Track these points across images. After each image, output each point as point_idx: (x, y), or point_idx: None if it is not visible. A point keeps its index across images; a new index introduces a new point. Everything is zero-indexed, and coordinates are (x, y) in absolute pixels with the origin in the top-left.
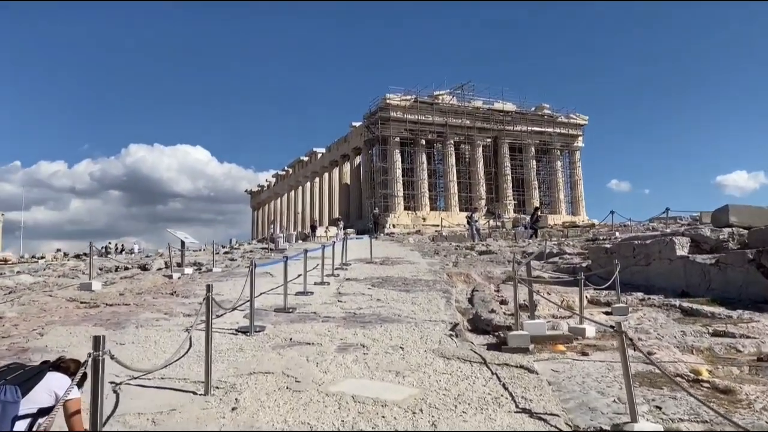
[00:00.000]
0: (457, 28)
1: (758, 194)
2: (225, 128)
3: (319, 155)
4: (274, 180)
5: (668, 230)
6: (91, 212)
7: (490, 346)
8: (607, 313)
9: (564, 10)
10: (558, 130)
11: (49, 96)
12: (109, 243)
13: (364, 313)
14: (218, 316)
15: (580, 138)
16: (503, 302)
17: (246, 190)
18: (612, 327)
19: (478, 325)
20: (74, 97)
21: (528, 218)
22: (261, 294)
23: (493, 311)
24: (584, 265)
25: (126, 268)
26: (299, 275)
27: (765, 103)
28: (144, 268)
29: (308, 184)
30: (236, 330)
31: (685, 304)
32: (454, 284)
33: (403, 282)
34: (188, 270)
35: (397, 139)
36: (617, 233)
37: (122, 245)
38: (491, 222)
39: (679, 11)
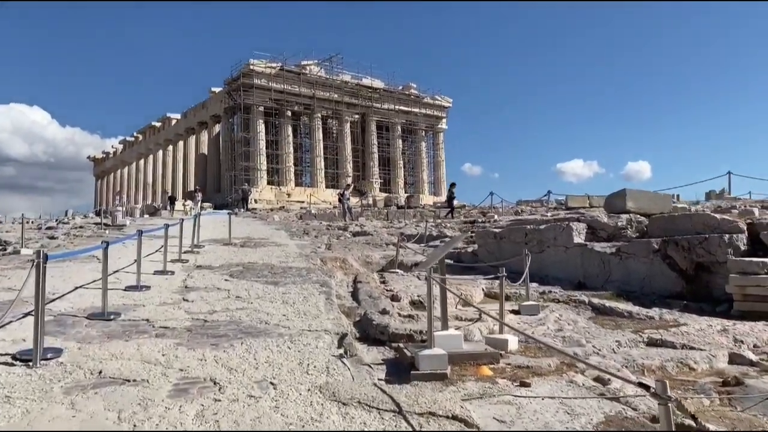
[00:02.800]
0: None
1: (592, 181)
2: (68, 87)
3: (174, 121)
4: (121, 147)
5: (549, 215)
6: None
7: (391, 365)
8: (514, 312)
9: None
10: (424, 111)
11: None
12: None
13: (217, 320)
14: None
15: (444, 120)
16: (394, 298)
17: (89, 157)
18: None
19: (370, 332)
20: None
21: (447, 196)
22: (76, 288)
23: (385, 312)
24: (470, 250)
25: None
26: (134, 261)
27: (601, 97)
28: None
29: (160, 152)
30: (15, 355)
31: (595, 301)
32: (331, 273)
33: (270, 270)
34: None
35: (261, 108)
36: (496, 216)
37: None
38: (363, 201)
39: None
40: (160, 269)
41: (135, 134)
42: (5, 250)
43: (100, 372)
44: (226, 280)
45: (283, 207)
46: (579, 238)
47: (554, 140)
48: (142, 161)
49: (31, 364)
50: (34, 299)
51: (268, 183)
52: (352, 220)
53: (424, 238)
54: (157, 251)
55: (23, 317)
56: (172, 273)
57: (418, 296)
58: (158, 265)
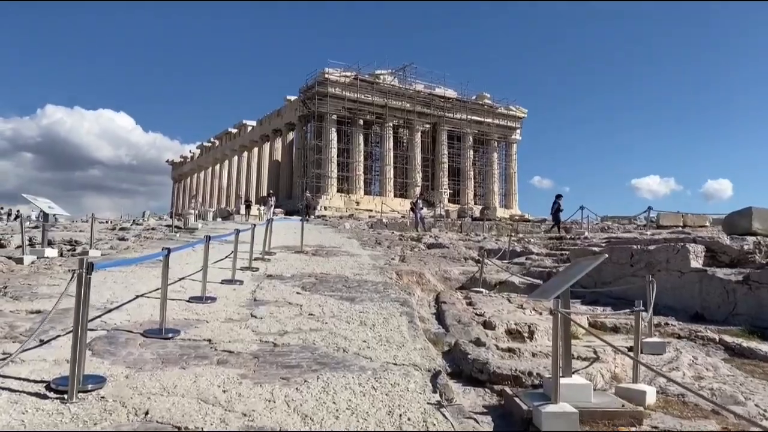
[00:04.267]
0: (402, 5)
1: (669, 199)
2: (152, 95)
3: (249, 128)
4: (198, 152)
5: (649, 234)
6: (1, 173)
7: (499, 418)
8: (630, 350)
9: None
10: (497, 121)
11: None
12: (2, 208)
13: (289, 344)
14: (37, 345)
15: (518, 131)
16: (487, 325)
17: (167, 161)
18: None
19: (464, 369)
20: None
21: (552, 209)
22: (137, 297)
23: (480, 342)
24: (562, 270)
25: None
26: (201, 270)
27: (679, 111)
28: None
29: (236, 158)
30: (50, 384)
31: (728, 339)
32: (409, 289)
33: (344, 284)
34: (51, 252)
35: (334, 116)
36: (586, 233)
37: (17, 210)
38: (435, 211)
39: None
40: (228, 278)
41: (212, 140)
42: (74, 250)
43: (146, 413)
44: (297, 293)
45: (352, 215)
46: (696, 262)
47: (630, 155)
48: (217, 166)
49: (66, 397)
50: (126, 298)
51: (338, 191)
52: (425, 231)
53: (507, 253)
54: (226, 257)
55: (66, 333)
56: (241, 283)
57: (515, 324)
58: (227, 273)
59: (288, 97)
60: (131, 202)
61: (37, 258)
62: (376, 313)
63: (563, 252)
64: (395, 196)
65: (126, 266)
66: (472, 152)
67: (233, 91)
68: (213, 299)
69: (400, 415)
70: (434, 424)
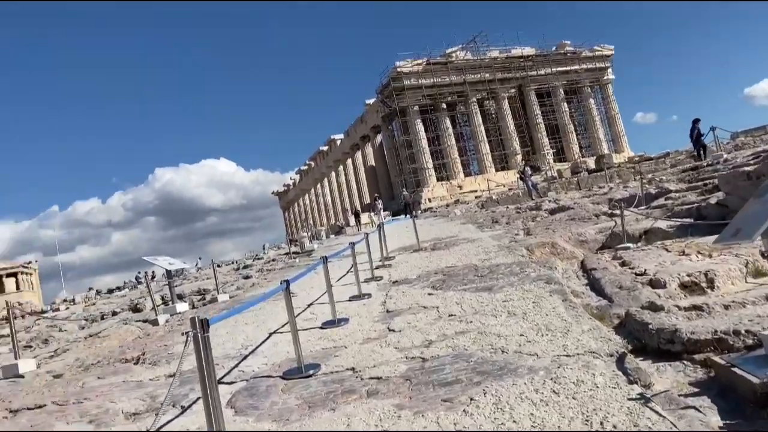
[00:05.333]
0: None
1: None
2: (245, 136)
3: (338, 142)
4: (298, 177)
5: None
6: (133, 241)
7: (719, 398)
8: None
9: None
10: (585, 66)
11: (72, 137)
12: (139, 273)
13: (438, 356)
14: (184, 409)
15: (609, 70)
16: (654, 284)
17: (273, 192)
18: None
19: (647, 342)
20: (95, 135)
21: (692, 136)
22: (270, 336)
23: (655, 306)
24: (713, 201)
25: (114, 313)
26: (324, 293)
27: None
28: (136, 309)
29: (332, 173)
30: None
31: None
32: (548, 263)
33: (474, 273)
34: (181, 306)
35: (416, 107)
36: (724, 155)
37: (153, 272)
38: (547, 173)
39: None
40: (355, 294)
41: (307, 162)
42: (204, 298)
43: None
44: (429, 294)
45: (458, 200)
46: None
47: (736, 61)
48: (318, 186)
49: None
50: (259, 342)
51: (438, 180)
52: (541, 197)
53: (642, 199)
54: (348, 272)
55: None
56: (369, 296)
57: (687, 276)
58: (352, 288)
59: (367, 101)
60: (250, 239)
61: (170, 315)
62: (521, 298)
63: (706, 182)
64: (497, 170)
65: (245, 311)
66: (566, 105)
67: (316, 111)
68: (346, 320)
69: (601, 422)
70: (649, 426)
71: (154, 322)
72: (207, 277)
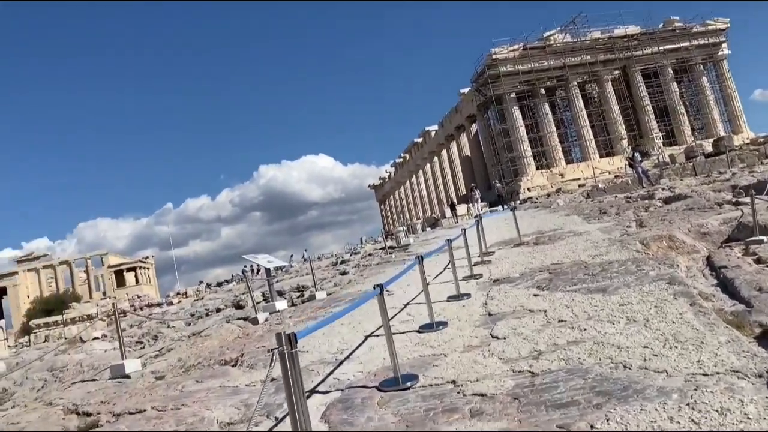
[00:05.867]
0: None
1: None
2: (342, 132)
3: (433, 133)
4: (393, 170)
5: None
6: (240, 236)
7: None
8: None
9: None
10: (696, 42)
11: (183, 136)
12: (245, 267)
13: (549, 371)
14: (277, 421)
15: (724, 45)
16: None
17: (369, 186)
18: None
19: None
20: (202, 134)
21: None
22: (366, 339)
23: None
24: None
25: (218, 310)
26: (421, 292)
27: None
28: (238, 305)
29: (428, 165)
30: None
31: None
32: (668, 259)
33: (584, 272)
34: (280, 304)
35: (513, 95)
36: None
37: (258, 266)
38: (657, 159)
39: None
40: (453, 293)
41: (402, 155)
42: (303, 295)
43: None
44: (535, 295)
45: (559, 189)
46: None
47: None
48: (413, 178)
49: None
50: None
51: (537, 168)
52: (652, 185)
53: None
54: (445, 268)
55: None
56: (468, 296)
57: None
58: (450, 287)
59: (462, 91)
60: (349, 232)
61: (269, 314)
62: (641, 301)
63: None
64: (601, 156)
65: (333, 322)
66: (675, 85)
67: (411, 103)
68: (444, 324)
69: None
70: None
71: (254, 321)
72: (306, 272)
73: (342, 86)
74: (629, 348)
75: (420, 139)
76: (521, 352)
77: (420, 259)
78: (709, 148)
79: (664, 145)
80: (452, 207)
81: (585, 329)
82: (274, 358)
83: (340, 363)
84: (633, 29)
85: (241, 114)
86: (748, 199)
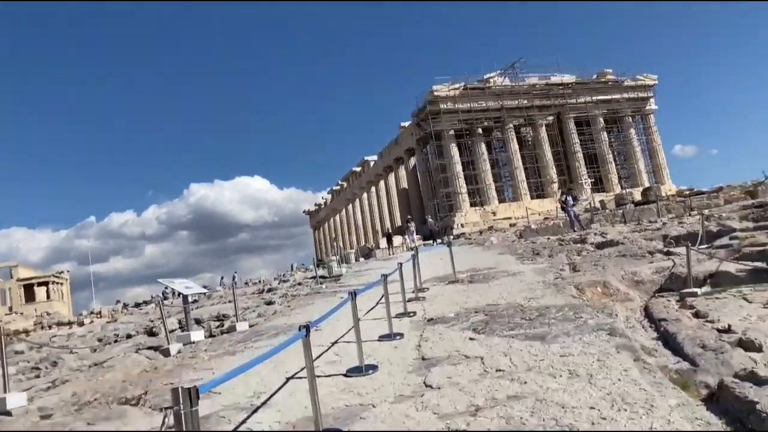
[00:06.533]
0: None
1: None
2: (279, 155)
3: (372, 163)
4: (330, 197)
5: None
6: (165, 254)
7: None
8: None
9: None
10: (626, 95)
11: (109, 148)
12: (166, 288)
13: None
14: None
15: (652, 100)
16: (746, 345)
17: (304, 211)
18: None
19: (753, 425)
20: (131, 148)
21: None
22: (287, 381)
23: (755, 377)
24: None
25: (128, 336)
26: (351, 329)
27: None
28: (151, 332)
29: (365, 195)
30: None
31: None
32: (605, 307)
33: (522, 316)
34: (196, 335)
35: (452, 132)
36: None
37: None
38: (582, 204)
39: None
40: (385, 332)
41: (340, 182)
42: (222, 325)
43: None
44: (471, 338)
45: (491, 227)
46: None
47: None
48: (350, 206)
49: None
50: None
51: (471, 205)
52: (583, 229)
53: (702, 237)
54: (378, 303)
55: None
56: (401, 336)
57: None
58: (382, 324)
59: (402, 124)
60: (280, 257)
61: (183, 345)
62: (582, 353)
63: None
64: (532, 197)
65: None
66: (605, 134)
67: (351, 132)
68: (374, 367)
69: None
70: None
71: (165, 352)
72: (229, 300)
73: (280, 108)
74: (575, 409)
75: (359, 168)
76: (457, 406)
77: (352, 295)
78: (638, 197)
79: (592, 192)
80: (388, 238)
81: (525, 382)
82: (167, 420)
83: (256, 409)
84: (568, 78)
85: (175, 129)
86: (678, 249)
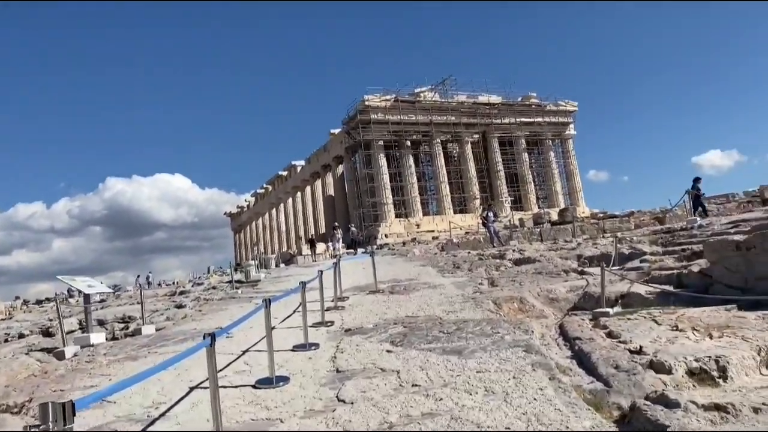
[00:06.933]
0: (432, 20)
1: (734, 172)
2: (202, 153)
3: (299, 168)
4: (253, 200)
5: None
6: (75, 250)
7: None
8: None
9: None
10: (548, 119)
11: (20, 135)
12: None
13: None
14: None
15: (572, 126)
16: (656, 367)
17: (225, 213)
18: None
19: None
20: (45, 136)
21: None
22: (190, 392)
23: (665, 400)
24: (695, 270)
25: (21, 336)
26: (264, 337)
27: (734, 82)
28: (47, 333)
29: (290, 200)
30: None
31: None
32: (521, 323)
33: (440, 329)
34: (97, 337)
35: (381, 142)
36: (699, 220)
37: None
38: (511, 221)
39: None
40: (300, 342)
41: (265, 186)
42: (127, 328)
43: None
44: (388, 351)
45: (414, 238)
46: None
47: (685, 132)
48: (273, 211)
49: None
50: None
51: (396, 216)
52: (502, 245)
53: (615, 259)
54: (295, 311)
55: None
56: (317, 346)
57: (694, 360)
58: (298, 333)
59: (332, 131)
60: (198, 258)
61: (81, 348)
62: (499, 370)
63: (684, 248)
64: (455, 212)
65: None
66: (526, 155)
67: (279, 135)
68: (286, 379)
69: None
70: None
71: (59, 355)
72: (137, 301)
73: (204, 106)
74: (490, 428)
75: (285, 173)
76: (370, 423)
77: (267, 303)
78: (555, 217)
79: (512, 209)
80: (311, 243)
81: (441, 399)
82: None
83: (153, 421)
84: (495, 98)
85: (91, 120)
86: (592, 269)
